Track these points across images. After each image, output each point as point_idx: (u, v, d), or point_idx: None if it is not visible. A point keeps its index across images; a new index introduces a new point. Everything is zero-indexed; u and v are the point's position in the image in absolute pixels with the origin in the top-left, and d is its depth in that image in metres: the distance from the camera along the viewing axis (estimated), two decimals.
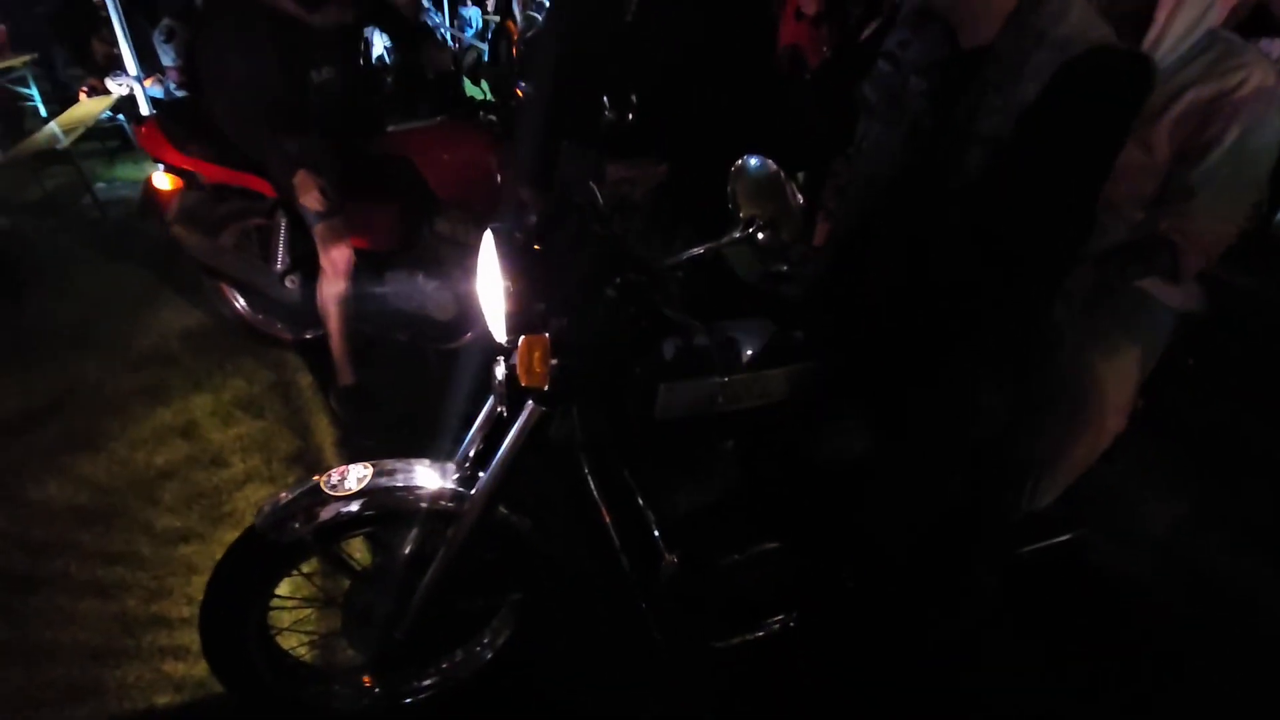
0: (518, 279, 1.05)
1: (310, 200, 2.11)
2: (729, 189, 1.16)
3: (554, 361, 1.06)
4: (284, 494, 1.22)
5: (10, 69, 5.49)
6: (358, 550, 1.77)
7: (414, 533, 1.28)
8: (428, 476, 1.26)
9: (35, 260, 3.49)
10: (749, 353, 1.18)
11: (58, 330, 2.87)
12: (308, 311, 2.45)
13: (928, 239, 1.07)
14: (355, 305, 2.33)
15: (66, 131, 4.19)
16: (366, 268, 2.42)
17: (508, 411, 1.19)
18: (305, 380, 2.65)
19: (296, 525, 1.18)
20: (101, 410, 2.42)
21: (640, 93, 1.38)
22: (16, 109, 5.63)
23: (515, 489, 1.24)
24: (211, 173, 2.40)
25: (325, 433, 2.39)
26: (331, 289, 2.26)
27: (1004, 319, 1.12)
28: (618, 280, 1.09)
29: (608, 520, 1.35)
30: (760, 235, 1.13)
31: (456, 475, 1.27)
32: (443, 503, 1.24)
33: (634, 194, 1.49)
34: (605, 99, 1.32)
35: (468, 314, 2.48)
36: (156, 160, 2.45)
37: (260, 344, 2.80)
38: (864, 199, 1.25)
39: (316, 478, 1.22)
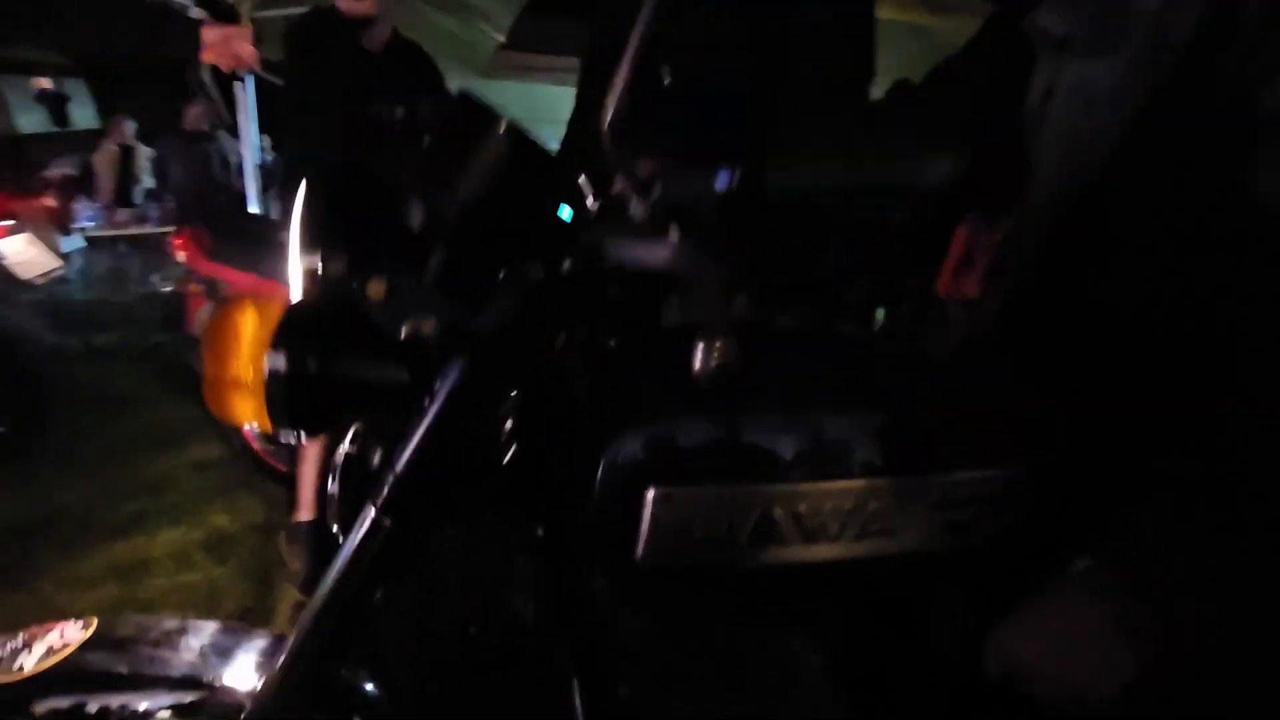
0: None
1: None
2: None
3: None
4: None
5: None
6: None
7: None
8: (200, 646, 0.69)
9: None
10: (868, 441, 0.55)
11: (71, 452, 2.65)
12: None
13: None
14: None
15: None
16: None
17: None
18: None
19: None
20: (67, 542, 2.08)
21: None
22: None
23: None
24: (233, 279, 2.20)
25: (287, 591, 1.88)
26: None
27: None
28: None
29: None
30: None
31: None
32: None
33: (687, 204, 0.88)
34: None
35: None
36: (189, 270, 2.32)
37: (266, 478, 2.43)
38: (1059, 193, 0.68)
39: None
